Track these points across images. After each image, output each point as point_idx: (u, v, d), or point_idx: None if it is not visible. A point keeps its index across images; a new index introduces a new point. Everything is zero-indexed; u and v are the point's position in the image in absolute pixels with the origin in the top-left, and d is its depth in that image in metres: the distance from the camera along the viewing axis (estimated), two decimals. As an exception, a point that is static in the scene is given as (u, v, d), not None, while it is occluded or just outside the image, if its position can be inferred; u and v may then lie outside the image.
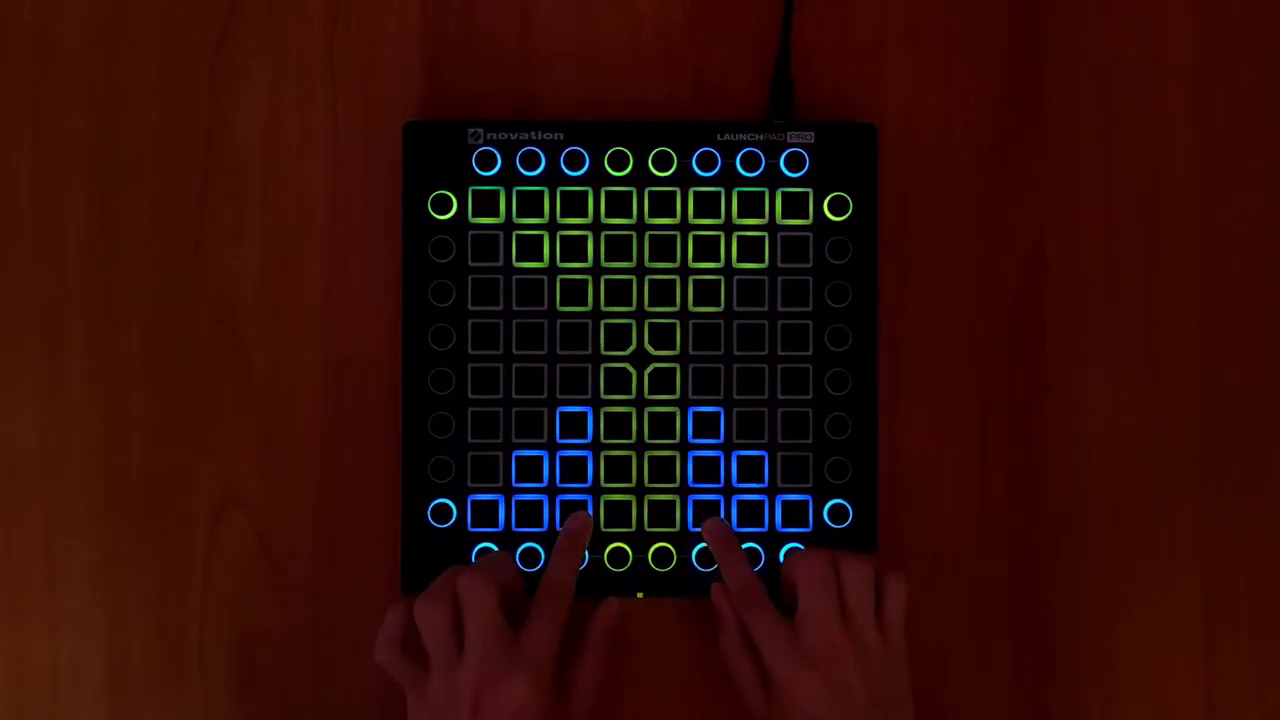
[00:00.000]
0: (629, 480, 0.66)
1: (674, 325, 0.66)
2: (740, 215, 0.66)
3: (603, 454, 0.66)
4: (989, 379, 0.68)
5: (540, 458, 0.66)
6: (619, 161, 0.66)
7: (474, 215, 0.66)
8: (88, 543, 0.67)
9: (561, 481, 0.66)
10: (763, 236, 0.66)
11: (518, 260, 0.66)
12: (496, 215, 0.66)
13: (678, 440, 0.66)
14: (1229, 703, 0.68)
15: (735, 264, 0.66)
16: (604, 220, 0.66)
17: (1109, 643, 0.68)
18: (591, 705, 0.63)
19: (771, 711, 0.62)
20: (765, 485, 0.66)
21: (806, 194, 0.66)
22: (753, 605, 0.63)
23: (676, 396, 0.66)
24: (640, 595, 0.66)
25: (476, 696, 0.59)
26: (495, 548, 0.66)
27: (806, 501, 0.66)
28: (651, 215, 0.66)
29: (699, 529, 0.66)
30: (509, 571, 0.63)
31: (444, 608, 0.60)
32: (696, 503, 0.66)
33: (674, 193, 0.66)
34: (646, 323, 0.66)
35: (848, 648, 0.60)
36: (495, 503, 0.66)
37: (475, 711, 0.59)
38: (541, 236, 0.66)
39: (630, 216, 0.66)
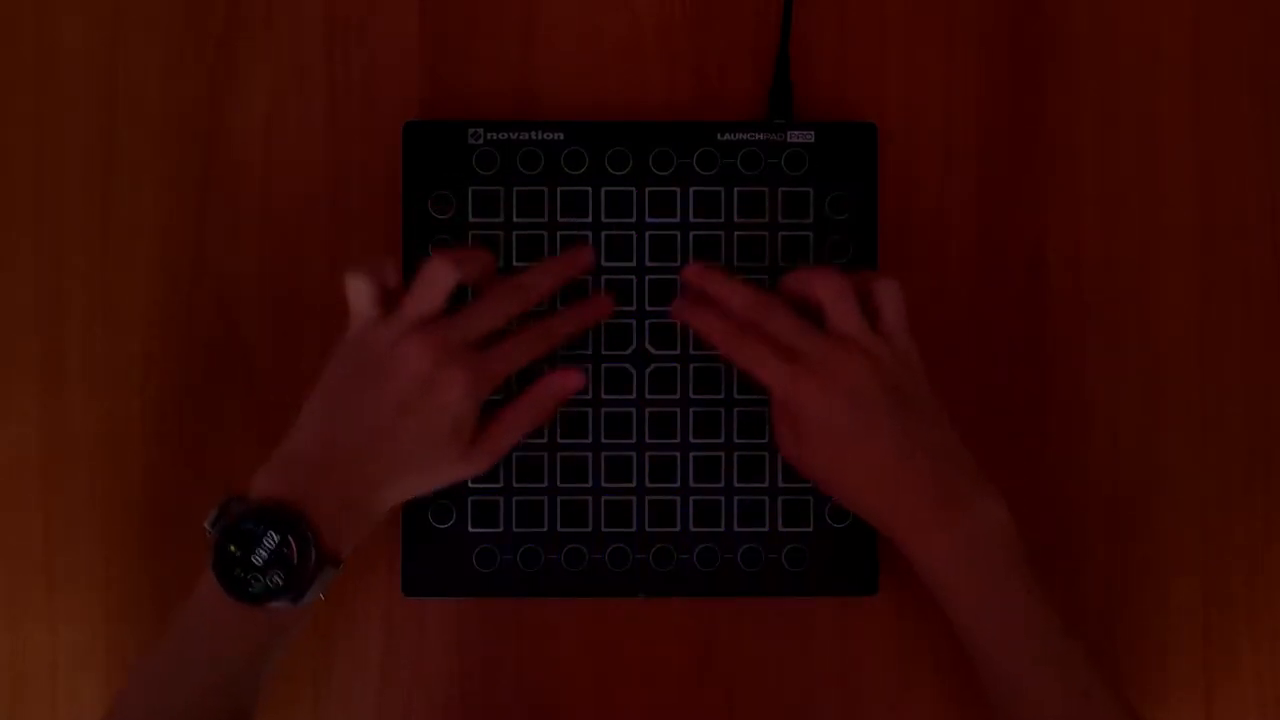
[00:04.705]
0: (629, 480, 0.66)
1: (674, 325, 0.66)
2: (740, 215, 0.66)
3: (603, 454, 0.66)
4: (989, 379, 0.68)
5: (541, 458, 0.66)
6: (619, 161, 0.66)
7: (474, 215, 0.66)
8: (88, 543, 0.67)
9: (561, 481, 0.66)
10: (763, 236, 0.66)
11: (518, 260, 0.66)
12: (496, 215, 0.66)
13: (678, 440, 0.66)
14: (1228, 702, 0.68)
15: (735, 263, 0.66)
16: (604, 220, 0.66)
17: (1109, 642, 0.68)
18: (498, 448, 0.61)
19: (800, 449, 0.61)
20: (766, 485, 0.66)
21: (807, 194, 0.66)
22: (773, 312, 0.61)
23: (677, 396, 0.66)
24: (641, 595, 0.66)
25: (429, 376, 0.58)
26: (495, 548, 0.66)
27: (808, 500, 0.66)
28: (651, 215, 0.66)
29: (699, 528, 0.66)
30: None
31: (458, 275, 0.60)
32: (696, 503, 0.66)
33: (674, 193, 0.66)
34: (646, 323, 0.66)
35: (839, 354, 0.59)
36: (495, 503, 0.66)
37: (425, 393, 0.58)
38: (542, 236, 0.66)
39: (630, 216, 0.66)
